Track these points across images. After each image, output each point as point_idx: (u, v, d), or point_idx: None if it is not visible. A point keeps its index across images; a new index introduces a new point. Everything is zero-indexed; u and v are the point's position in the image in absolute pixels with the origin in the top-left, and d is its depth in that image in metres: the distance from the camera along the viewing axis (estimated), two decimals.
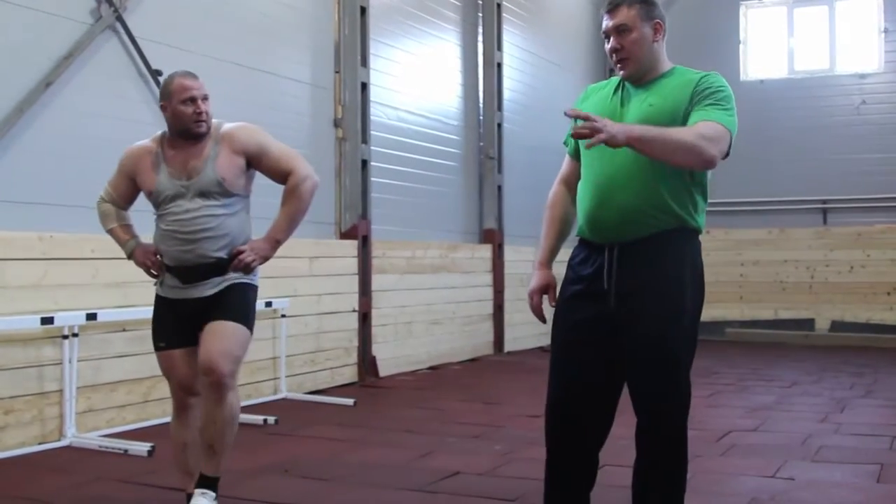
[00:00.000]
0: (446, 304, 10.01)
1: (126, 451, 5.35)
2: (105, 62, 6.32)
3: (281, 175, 3.91)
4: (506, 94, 11.28)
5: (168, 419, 6.10)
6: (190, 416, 4.00)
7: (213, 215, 3.79)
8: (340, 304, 8.31)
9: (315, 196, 4.01)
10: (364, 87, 8.64)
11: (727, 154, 2.98)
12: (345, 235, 8.51)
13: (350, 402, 7.24)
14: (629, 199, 3.00)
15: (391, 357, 9.00)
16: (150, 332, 4.04)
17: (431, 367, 9.59)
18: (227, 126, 3.92)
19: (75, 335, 5.63)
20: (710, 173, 3.09)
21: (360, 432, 6.12)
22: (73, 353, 5.62)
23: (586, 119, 2.76)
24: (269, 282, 7.40)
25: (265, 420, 6.33)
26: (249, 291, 3.93)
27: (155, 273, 3.92)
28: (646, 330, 3.00)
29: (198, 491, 3.84)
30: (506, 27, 11.37)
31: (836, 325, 12.79)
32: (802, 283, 13.14)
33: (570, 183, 3.31)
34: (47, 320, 5.44)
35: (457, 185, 10.64)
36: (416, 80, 9.95)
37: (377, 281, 8.79)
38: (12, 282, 5.45)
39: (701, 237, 3.14)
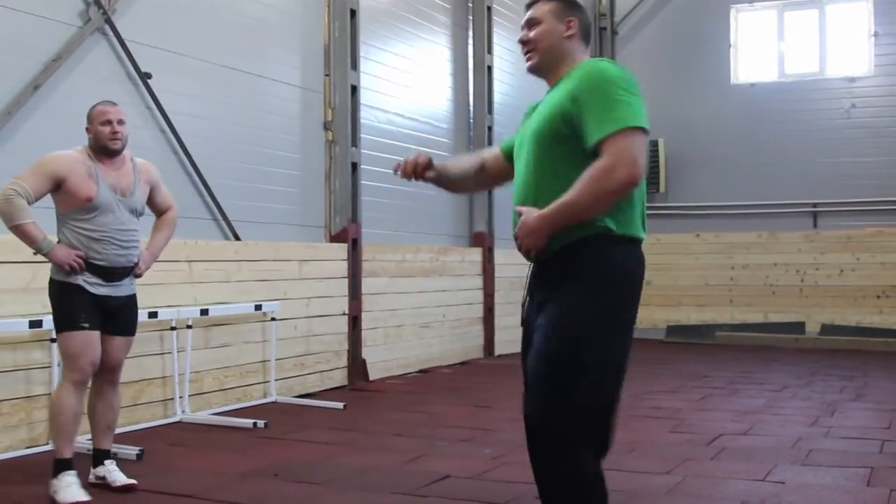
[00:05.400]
0: (436, 307, 10.00)
1: (115, 454, 5.30)
2: (94, 65, 6.30)
3: (163, 208, 4.90)
4: (496, 96, 11.29)
5: (157, 423, 6.16)
6: (84, 391, 4.55)
7: (136, 230, 4.63)
8: (330, 308, 8.30)
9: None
10: (354, 90, 8.64)
11: (647, 150, 2.89)
12: (335, 239, 8.50)
13: (340, 405, 7.23)
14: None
15: (381, 360, 8.99)
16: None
17: (421, 371, 9.57)
18: (139, 160, 4.76)
19: None
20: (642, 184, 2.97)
21: (350, 436, 6.10)
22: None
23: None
24: (259, 285, 7.40)
25: (255, 424, 6.30)
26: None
27: (77, 270, 4.42)
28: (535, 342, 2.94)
29: (110, 462, 4.69)
30: (496, 30, 11.37)
31: (826, 329, 12.81)
32: (792, 286, 13.16)
33: (484, 158, 3.42)
34: (35, 324, 5.42)
35: None
36: (407, 83, 9.94)
37: (367, 284, 8.78)
38: (0, 285, 5.42)
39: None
